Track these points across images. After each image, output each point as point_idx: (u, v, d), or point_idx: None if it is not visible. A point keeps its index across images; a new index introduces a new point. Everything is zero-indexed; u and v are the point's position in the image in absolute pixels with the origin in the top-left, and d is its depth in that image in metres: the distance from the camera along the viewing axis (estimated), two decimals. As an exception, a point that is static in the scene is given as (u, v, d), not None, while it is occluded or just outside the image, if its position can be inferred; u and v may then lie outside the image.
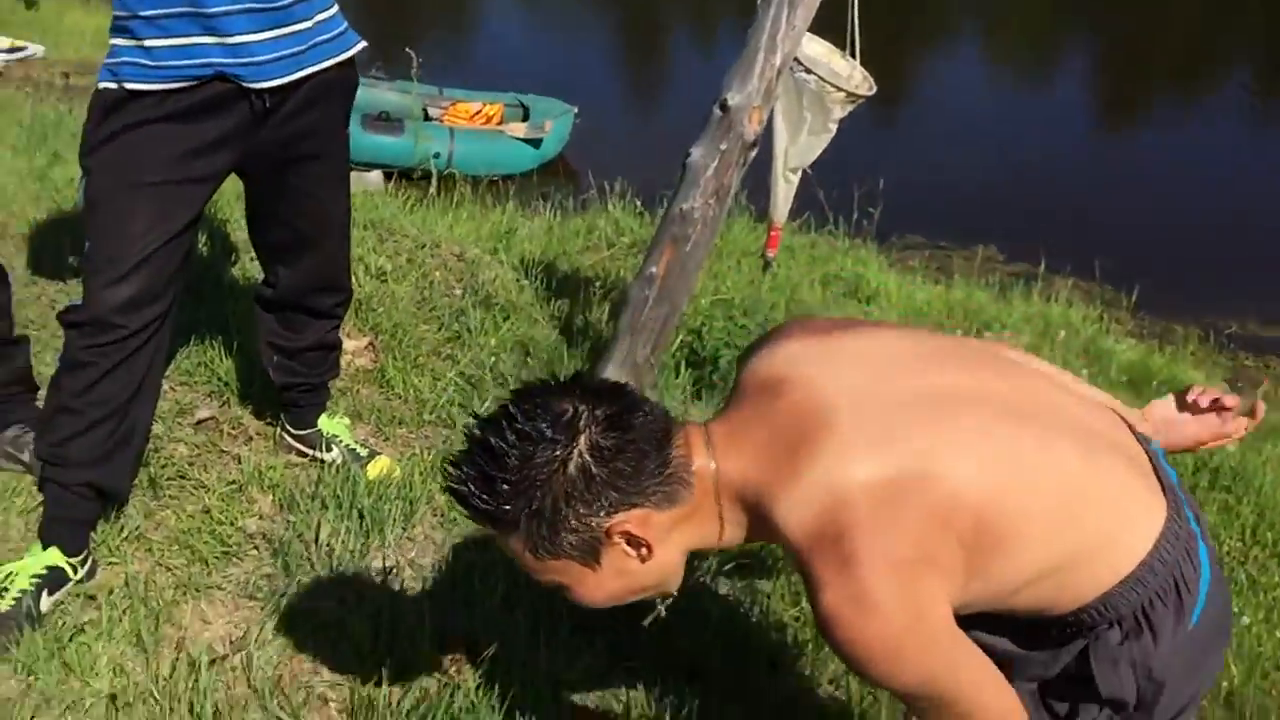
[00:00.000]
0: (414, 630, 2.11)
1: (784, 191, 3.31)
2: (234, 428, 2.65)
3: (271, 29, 1.97)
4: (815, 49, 3.10)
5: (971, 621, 1.30)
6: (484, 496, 1.16)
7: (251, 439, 2.63)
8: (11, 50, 6.75)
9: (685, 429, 1.24)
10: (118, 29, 1.93)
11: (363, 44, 2.21)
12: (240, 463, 2.53)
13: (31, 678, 1.91)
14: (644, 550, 1.19)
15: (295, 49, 2.02)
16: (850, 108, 3.06)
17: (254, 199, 2.25)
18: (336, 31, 2.13)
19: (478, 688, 1.99)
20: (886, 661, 1.13)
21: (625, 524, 1.16)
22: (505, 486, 1.15)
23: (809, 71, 2.99)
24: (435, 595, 2.25)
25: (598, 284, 3.93)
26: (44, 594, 2.04)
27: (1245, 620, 2.62)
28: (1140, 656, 1.25)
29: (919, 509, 1.13)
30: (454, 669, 2.05)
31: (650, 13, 15.22)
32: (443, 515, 2.47)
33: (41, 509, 2.14)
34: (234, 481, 2.46)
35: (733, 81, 2.93)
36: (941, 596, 1.14)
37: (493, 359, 3.15)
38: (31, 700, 1.87)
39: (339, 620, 2.12)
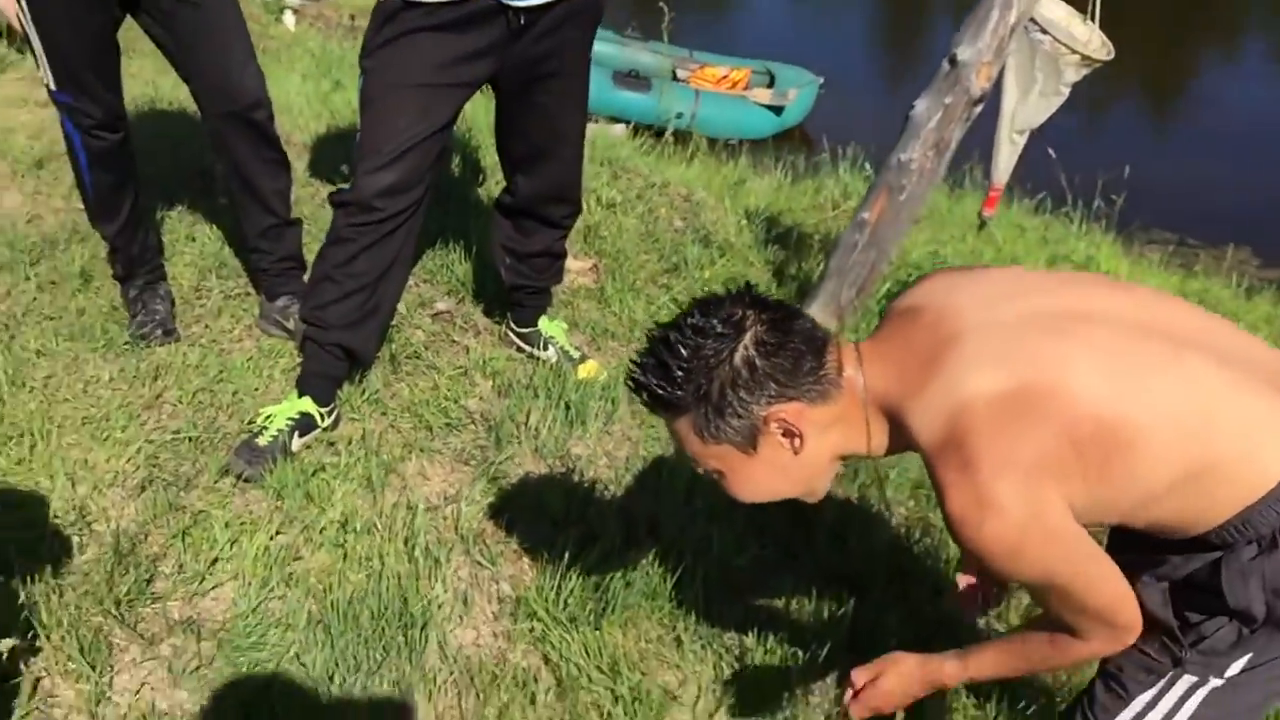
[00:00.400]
0: (603, 507, 2.32)
1: (1007, 152, 3.32)
2: (465, 322, 2.94)
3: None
4: (1055, 12, 3.10)
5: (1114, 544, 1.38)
6: (660, 383, 1.32)
7: (479, 333, 2.91)
8: (308, -8, 7.40)
9: (839, 343, 1.36)
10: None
11: (613, -26, 2.41)
12: (468, 352, 2.82)
13: (279, 501, 2.23)
14: (797, 442, 1.32)
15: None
16: (1084, 71, 3.04)
17: (502, 112, 2.50)
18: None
19: (655, 563, 2.19)
20: (1007, 558, 1.22)
21: (782, 413, 1.30)
22: (679, 373, 1.30)
23: (1044, 31, 2.99)
24: (625, 483, 2.45)
25: (816, 238, 4.03)
26: (295, 435, 2.36)
27: None
28: (1271, 573, 1.28)
29: (1037, 416, 1.21)
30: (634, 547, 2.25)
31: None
32: (641, 419, 2.67)
33: (300, 366, 2.47)
34: (461, 366, 2.75)
35: (964, 37, 2.97)
36: (1059, 499, 1.21)
37: (705, 290, 3.32)
38: (277, 518, 2.19)
39: (538, 491, 2.35)
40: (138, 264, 2.73)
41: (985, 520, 1.18)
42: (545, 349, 2.83)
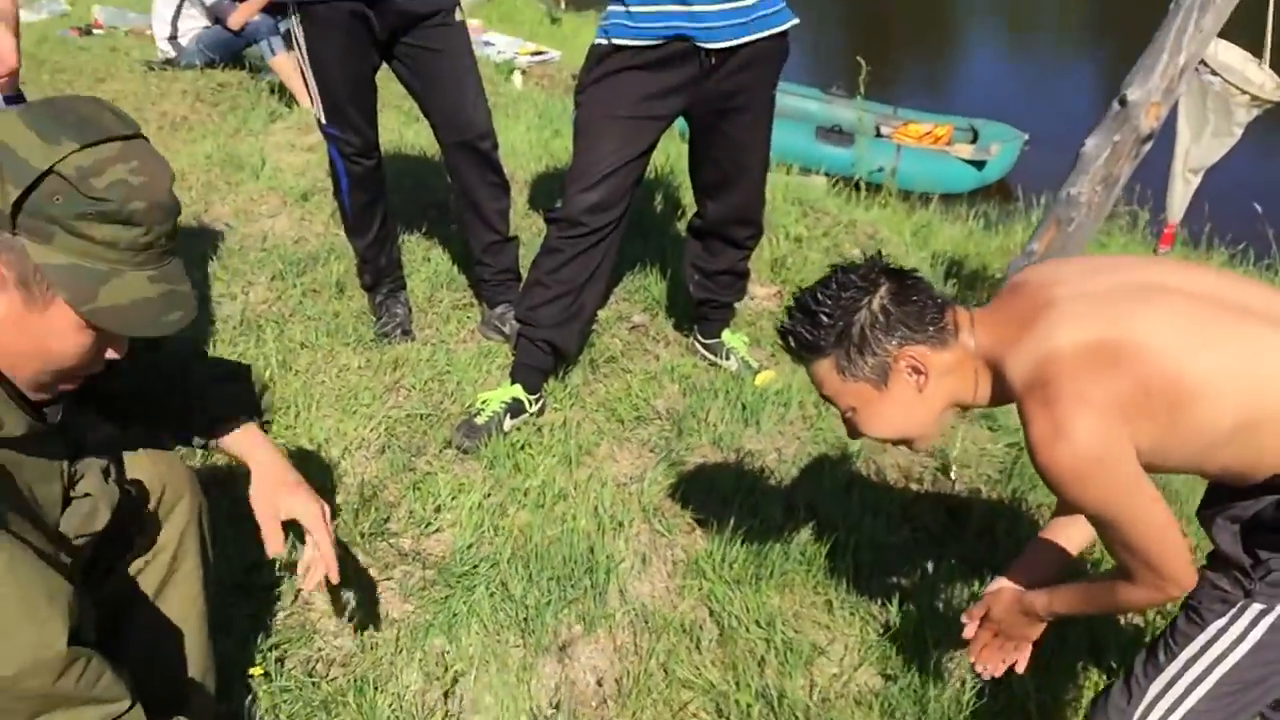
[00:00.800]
0: (768, 491, 2.60)
1: (1181, 190, 3.43)
2: (657, 334, 3.29)
3: (724, 1, 2.54)
4: (1228, 55, 3.21)
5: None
6: (808, 328, 1.60)
7: (669, 343, 3.25)
8: (535, 55, 8.06)
9: (956, 309, 1.62)
10: (615, 1, 2.59)
11: (795, 20, 2.72)
12: (658, 359, 3.16)
13: (491, 469, 2.61)
14: (922, 379, 1.58)
15: (741, 19, 2.58)
16: (1256, 111, 3.14)
17: (694, 142, 2.85)
18: (775, 8, 2.65)
19: (812, 538, 2.44)
20: (1073, 484, 1.43)
21: (911, 353, 1.56)
22: (824, 318, 1.58)
23: (1214, 74, 3.12)
24: (790, 474, 2.72)
25: (998, 277, 4.20)
26: (508, 416, 2.75)
27: None
28: None
29: (1113, 365, 1.42)
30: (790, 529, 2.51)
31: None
32: (810, 421, 2.94)
33: (513, 360, 2.86)
34: (651, 371, 3.09)
35: (1134, 78, 3.15)
36: (1125, 439, 1.41)
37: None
38: (489, 482, 2.57)
39: (712, 476, 2.65)
40: (384, 275, 3.21)
41: (1058, 446, 1.40)
42: (727, 358, 3.14)
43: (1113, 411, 1.41)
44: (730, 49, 2.59)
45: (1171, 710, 1.56)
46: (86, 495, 1.43)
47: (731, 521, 2.45)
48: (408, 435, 2.71)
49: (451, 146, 2.98)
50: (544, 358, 2.81)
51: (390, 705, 1.97)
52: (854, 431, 1.66)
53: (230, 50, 5.88)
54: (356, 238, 3.15)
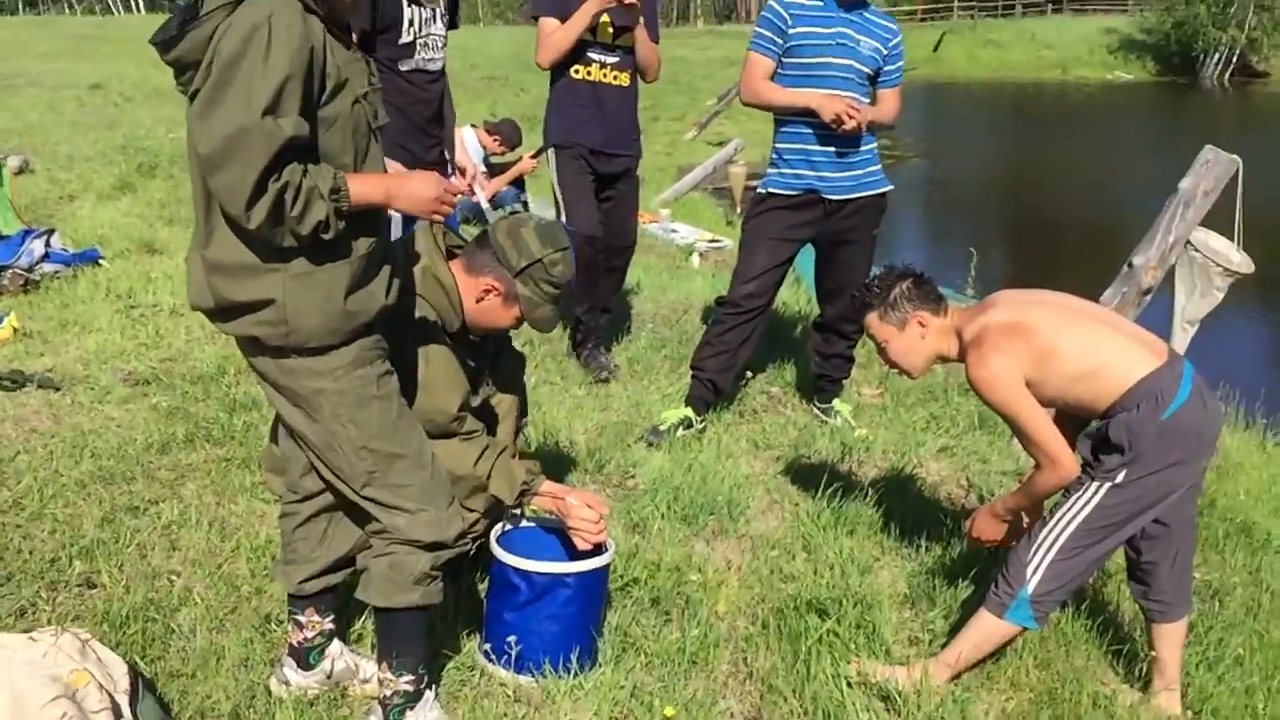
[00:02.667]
0: (850, 487, 3.88)
1: (1180, 337, 4.62)
2: (785, 398, 4.66)
3: (843, 171, 4.03)
4: (1214, 240, 4.46)
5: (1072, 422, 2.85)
6: (869, 297, 2.95)
7: (795, 408, 4.62)
8: (711, 241, 9.74)
9: (948, 302, 2.95)
10: (771, 164, 4.11)
11: (890, 187, 4.18)
12: (783, 414, 4.52)
13: (668, 455, 3.98)
14: (924, 330, 2.89)
15: (853, 181, 4.06)
16: (1230, 280, 4.37)
17: (818, 262, 4.29)
18: (878, 175, 4.13)
19: (877, 508, 3.70)
20: (988, 392, 2.71)
21: (920, 315, 2.89)
22: (877, 291, 2.94)
23: (1198, 250, 4.38)
24: (864, 480, 4.00)
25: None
26: (680, 427, 4.15)
27: None
28: (1128, 423, 2.65)
29: (1014, 332, 2.71)
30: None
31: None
32: (888, 462, 4.21)
33: (687, 392, 4.27)
34: (779, 421, 4.45)
35: (1139, 248, 4.47)
36: (1017, 371, 2.67)
37: (951, 419, 4.84)
38: (667, 461, 3.93)
39: (810, 475, 3.96)
40: (591, 334, 4.73)
41: (979, 369, 2.71)
42: (835, 418, 4.48)
43: (1010, 356, 2.72)
44: (845, 200, 4.05)
45: (1051, 547, 2.77)
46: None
47: (824, 499, 3.74)
48: (617, 435, 4.13)
49: (608, 250, 4.60)
50: (707, 392, 4.22)
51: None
52: (883, 357, 2.99)
53: (476, 213, 7.73)
54: (579, 305, 4.68)
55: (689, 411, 4.19)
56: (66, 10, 54.89)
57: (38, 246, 5.78)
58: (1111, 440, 2.69)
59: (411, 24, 3.63)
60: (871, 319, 2.94)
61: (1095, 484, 2.71)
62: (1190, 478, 2.74)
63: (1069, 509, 2.75)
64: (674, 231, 9.95)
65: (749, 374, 4.65)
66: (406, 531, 2.24)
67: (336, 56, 1.97)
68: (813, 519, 3.64)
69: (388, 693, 2.35)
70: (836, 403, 4.53)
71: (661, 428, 4.14)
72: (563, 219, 4.51)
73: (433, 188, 2.13)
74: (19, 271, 5.55)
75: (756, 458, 4.13)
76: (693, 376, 4.27)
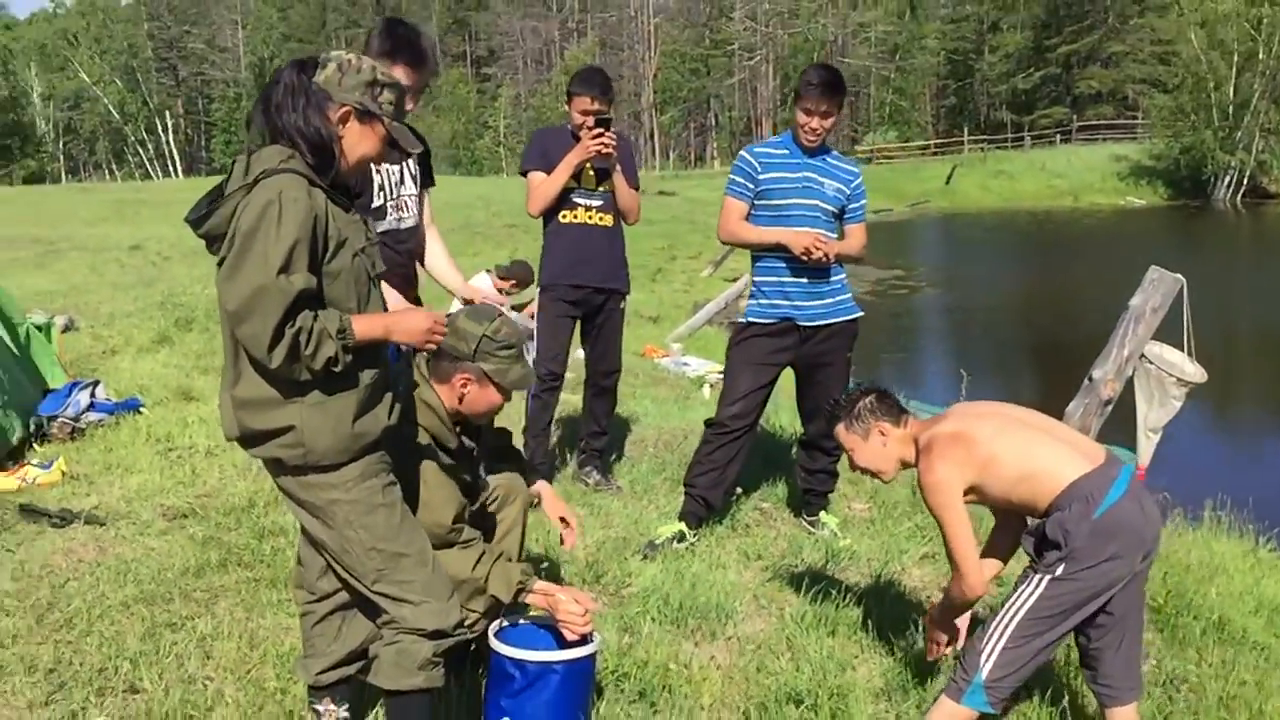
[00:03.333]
0: (834, 591, 4.16)
1: (1144, 444, 4.93)
2: (776, 513, 4.97)
3: (815, 300, 4.43)
4: (1170, 353, 4.81)
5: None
6: (836, 413, 3.32)
7: (785, 521, 4.92)
8: (721, 373, 10.16)
9: (908, 415, 3.30)
10: (751, 297, 4.52)
11: (860, 313, 4.57)
12: (774, 527, 4.82)
13: (662, 567, 4.29)
14: (886, 439, 3.23)
15: (825, 310, 4.46)
16: (1185, 389, 4.70)
17: (798, 385, 4.66)
18: (848, 303, 4.53)
19: (852, 605, 3.98)
20: (929, 494, 3.04)
21: (881, 426, 3.23)
22: (842, 409, 3.31)
23: (1152, 363, 4.73)
24: (847, 586, 4.27)
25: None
26: (674, 541, 4.47)
27: None
28: (1061, 521, 2.96)
29: (957, 441, 3.05)
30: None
31: None
32: (870, 571, 4.49)
33: (681, 508, 4.59)
34: (769, 535, 4.75)
35: (1098, 363, 4.83)
36: (958, 481, 3.00)
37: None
38: (660, 571, 4.23)
39: (795, 581, 4.24)
40: (591, 456, 5.11)
41: (926, 475, 3.05)
42: (822, 530, 4.78)
43: (954, 465, 3.05)
44: (818, 327, 4.45)
45: (1001, 636, 3.03)
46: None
47: (808, 603, 4.02)
48: (615, 551, 4.45)
49: (595, 375, 5.03)
50: (700, 508, 4.54)
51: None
52: (852, 464, 3.33)
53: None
54: (530, 433, 5.08)
55: (682, 526, 4.51)
56: (108, 177, 57.38)
57: (83, 397, 6.24)
58: (1048, 537, 2.98)
59: (381, 188, 3.84)
60: (839, 430, 3.29)
61: (1038, 576, 2.99)
62: (1128, 570, 3.00)
63: (1016, 600, 3.02)
64: (686, 365, 10.38)
65: (739, 491, 4.97)
66: (412, 621, 2.57)
67: (337, 220, 2.41)
68: (796, 621, 3.91)
69: None
70: (823, 515, 4.83)
71: (657, 541, 4.45)
72: (531, 355, 4.93)
73: (425, 321, 2.54)
74: (66, 420, 6.00)
75: (746, 567, 4.42)
76: (685, 493, 4.60)
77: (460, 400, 2.97)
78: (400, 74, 3.55)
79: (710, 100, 71.71)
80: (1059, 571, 2.95)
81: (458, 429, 3.03)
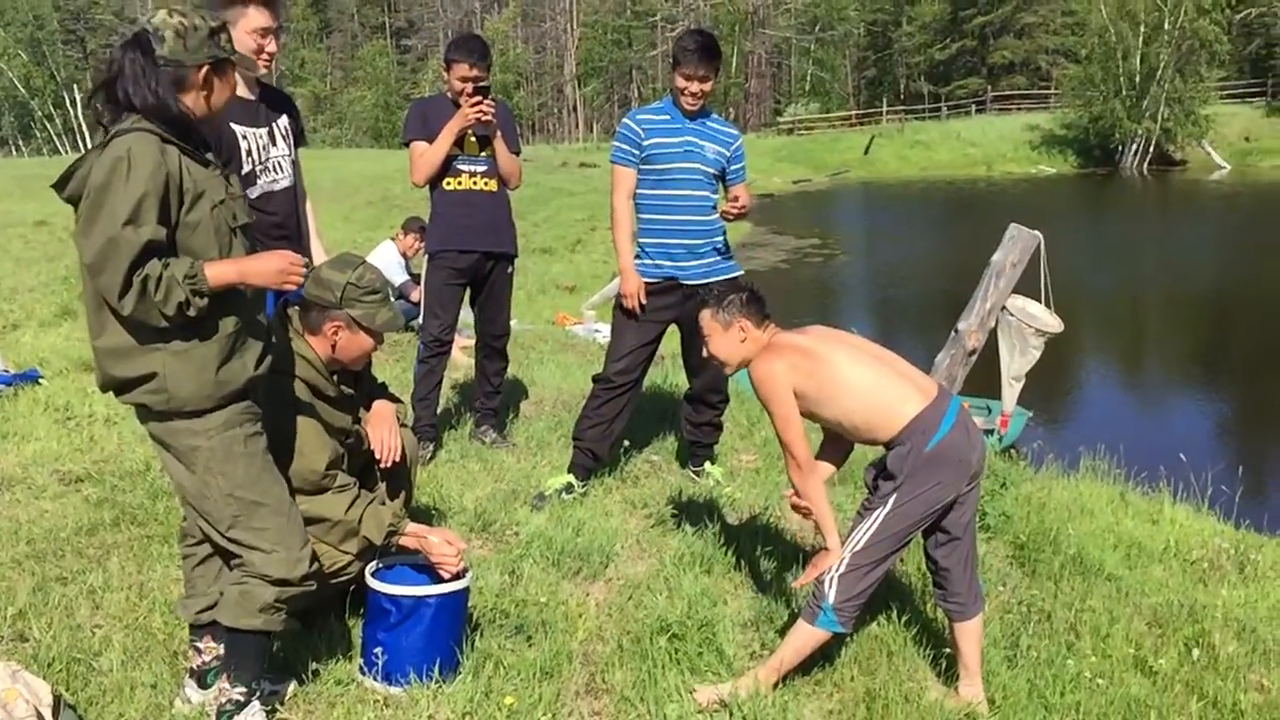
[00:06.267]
0: (716, 527, 4.38)
1: (1008, 392, 5.23)
2: (666, 464, 5.17)
3: (697, 260, 4.62)
4: (1029, 305, 5.10)
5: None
6: (707, 296, 3.52)
7: (674, 473, 5.13)
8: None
9: (770, 321, 3.48)
10: (636, 257, 4.69)
11: (741, 270, 4.77)
12: (669, 477, 5.03)
13: (549, 518, 4.46)
14: (744, 335, 3.39)
15: (706, 269, 4.64)
16: (1043, 339, 4.99)
17: (683, 342, 4.85)
18: (729, 262, 4.72)
19: (723, 551, 4.19)
20: (759, 387, 3.25)
21: (743, 323, 3.39)
22: (715, 294, 3.49)
23: (1012, 315, 5.01)
24: (727, 525, 4.48)
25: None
26: (562, 493, 4.64)
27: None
28: (903, 454, 3.21)
29: (805, 354, 3.25)
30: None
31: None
32: (749, 514, 4.72)
33: (570, 460, 4.77)
34: (660, 485, 4.94)
35: (963, 316, 5.09)
36: (789, 379, 3.21)
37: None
38: (549, 522, 4.41)
39: (675, 519, 4.45)
40: (486, 416, 5.27)
41: (757, 367, 3.25)
42: (706, 479, 4.99)
43: (786, 364, 3.25)
44: (699, 284, 4.63)
45: (842, 563, 3.27)
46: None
47: (687, 546, 4.23)
48: (503, 497, 4.62)
49: (485, 337, 5.20)
50: (587, 460, 4.73)
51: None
52: (706, 348, 3.48)
53: (407, 318, 8.27)
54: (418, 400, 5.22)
55: (571, 478, 4.69)
56: (14, 153, 55.72)
57: (-21, 369, 6.23)
58: (888, 469, 3.23)
59: (250, 153, 3.89)
60: (704, 314, 3.46)
61: (875, 510, 3.23)
62: (954, 493, 3.25)
63: (856, 533, 3.26)
64: (597, 331, 10.54)
65: (627, 444, 5.15)
66: (261, 567, 2.72)
67: (193, 174, 2.52)
68: (674, 562, 4.12)
69: (223, 700, 2.80)
70: (708, 465, 5.05)
71: (546, 493, 4.63)
72: (419, 320, 5.05)
73: (278, 261, 2.63)
74: (-36, 392, 5.99)
75: (631, 515, 4.62)
76: (574, 446, 4.77)
77: (334, 349, 3.11)
78: (257, 16, 3.70)
79: (633, 71, 71.56)
80: (891, 501, 3.20)
81: (335, 378, 3.17)
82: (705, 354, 3.51)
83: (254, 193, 3.87)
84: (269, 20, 3.76)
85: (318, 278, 3.05)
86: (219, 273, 2.53)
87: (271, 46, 3.80)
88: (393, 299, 3.25)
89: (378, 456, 3.36)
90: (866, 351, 3.39)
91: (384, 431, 3.37)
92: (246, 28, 3.71)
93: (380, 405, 3.45)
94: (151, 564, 3.84)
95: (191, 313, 2.49)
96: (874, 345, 3.49)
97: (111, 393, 2.62)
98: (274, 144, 3.98)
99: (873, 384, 3.27)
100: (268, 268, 2.62)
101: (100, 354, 2.56)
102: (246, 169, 3.88)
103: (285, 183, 4.04)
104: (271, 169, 3.98)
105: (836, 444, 3.58)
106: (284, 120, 4.05)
